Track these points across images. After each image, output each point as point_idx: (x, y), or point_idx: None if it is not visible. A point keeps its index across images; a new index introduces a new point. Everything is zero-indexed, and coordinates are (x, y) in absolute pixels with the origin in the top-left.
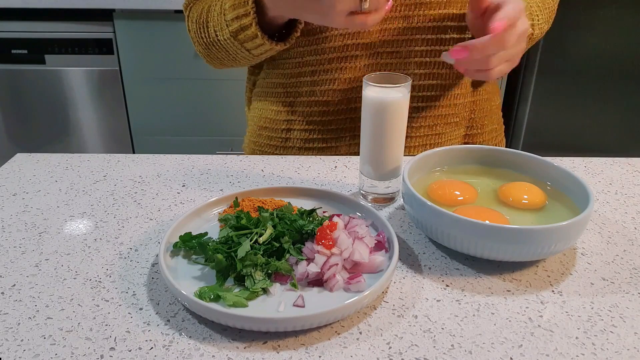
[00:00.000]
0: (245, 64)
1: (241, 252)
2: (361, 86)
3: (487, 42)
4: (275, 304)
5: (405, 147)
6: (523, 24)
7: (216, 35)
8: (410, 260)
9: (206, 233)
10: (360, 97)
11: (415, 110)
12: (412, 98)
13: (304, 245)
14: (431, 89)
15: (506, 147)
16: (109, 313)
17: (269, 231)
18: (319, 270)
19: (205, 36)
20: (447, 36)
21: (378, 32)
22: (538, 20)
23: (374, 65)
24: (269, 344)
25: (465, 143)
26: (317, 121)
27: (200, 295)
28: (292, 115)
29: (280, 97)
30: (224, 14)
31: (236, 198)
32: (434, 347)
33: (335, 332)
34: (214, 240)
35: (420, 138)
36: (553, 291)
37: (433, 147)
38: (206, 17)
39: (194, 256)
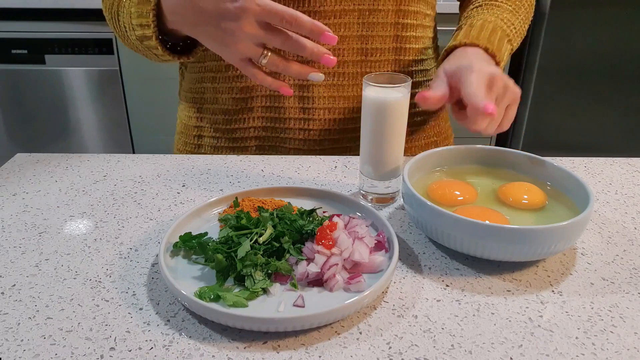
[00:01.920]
0: (159, 62)
1: (241, 252)
2: (261, 96)
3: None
4: (275, 304)
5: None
6: (497, 74)
7: (126, 32)
8: (410, 260)
9: (206, 233)
10: (262, 106)
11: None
12: (313, 110)
13: (304, 245)
14: (335, 101)
15: (506, 147)
16: (109, 313)
17: (269, 231)
18: (319, 270)
19: (117, 28)
20: (346, 46)
21: None
22: (514, 29)
23: (271, 73)
24: (269, 344)
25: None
26: (223, 129)
27: (200, 295)
28: (201, 121)
29: (190, 102)
30: (130, 17)
31: (236, 198)
32: (434, 347)
33: (335, 332)
34: (214, 240)
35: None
36: (553, 291)
37: None
38: (117, 9)
39: (194, 256)
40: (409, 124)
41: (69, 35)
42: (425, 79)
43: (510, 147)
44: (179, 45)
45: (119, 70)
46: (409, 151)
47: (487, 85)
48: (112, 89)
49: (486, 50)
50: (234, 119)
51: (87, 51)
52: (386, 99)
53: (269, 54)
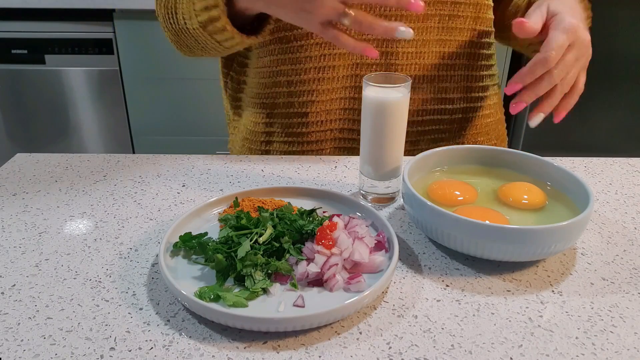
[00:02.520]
0: (215, 55)
1: (241, 252)
2: (341, 98)
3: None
4: (275, 304)
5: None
6: (582, 37)
7: (185, 24)
8: (410, 260)
9: (206, 233)
10: (341, 109)
11: None
12: None
13: (304, 245)
14: (411, 103)
15: (506, 147)
16: (109, 313)
17: (269, 231)
18: (319, 270)
19: (174, 22)
20: (427, 50)
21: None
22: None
23: (353, 76)
24: (269, 344)
25: None
26: (297, 133)
27: (200, 295)
28: (270, 127)
29: (257, 108)
30: (193, 3)
31: (236, 198)
32: (434, 347)
33: (335, 332)
34: (214, 240)
35: None
36: (553, 291)
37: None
38: (174, 2)
39: (194, 256)
40: (473, 129)
41: (69, 35)
42: (492, 83)
43: (510, 147)
44: (245, 28)
45: (119, 70)
46: None
47: (571, 43)
48: (112, 89)
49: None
50: (311, 122)
51: (87, 51)
52: (386, 99)
53: (352, 11)
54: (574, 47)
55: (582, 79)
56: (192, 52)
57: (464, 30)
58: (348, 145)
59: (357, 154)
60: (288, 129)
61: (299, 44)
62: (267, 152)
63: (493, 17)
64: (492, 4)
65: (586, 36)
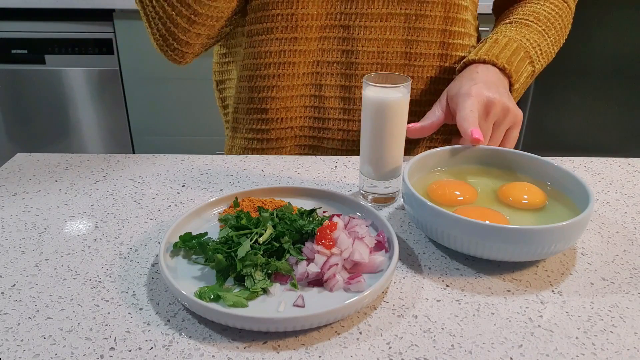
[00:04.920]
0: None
1: (241, 252)
2: (301, 95)
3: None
4: (275, 304)
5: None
6: (495, 99)
7: None
8: (410, 260)
9: (206, 233)
10: (301, 106)
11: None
12: (354, 111)
13: (304, 245)
14: None
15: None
16: (109, 313)
17: (269, 231)
18: (319, 270)
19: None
20: (390, 50)
21: (317, 39)
22: (539, 50)
23: (313, 74)
24: (269, 344)
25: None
26: (257, 129)
27: (200, 295)
28: (235, 122)
29: (225, 102)
30: None
31: (236, 198)
32: (434, 347)
33: (335, 332)
34: (214, 240)
35: None
36: (553, 291)
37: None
38: None
39: (194, 256)
40: (446, 132)
41: (69, 35)
42: None
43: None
44: None
45: (119, 70)
46: None
47: (484, 111)
48: (112, 89)
49: (503, 69)
50: (270, 119)
51: (87, 51)
52: (386, 99)
53: None
54: (490, 111)
55: (512, 137)
56: (180, 41)
57: (433, 31)
58: (310, 143)
59: (320, 153)
60: (249, 125)
61: (260, 38)
62: (231, 148)
63: (467, 17)
64: (467, 4)
65: (501, 95)
